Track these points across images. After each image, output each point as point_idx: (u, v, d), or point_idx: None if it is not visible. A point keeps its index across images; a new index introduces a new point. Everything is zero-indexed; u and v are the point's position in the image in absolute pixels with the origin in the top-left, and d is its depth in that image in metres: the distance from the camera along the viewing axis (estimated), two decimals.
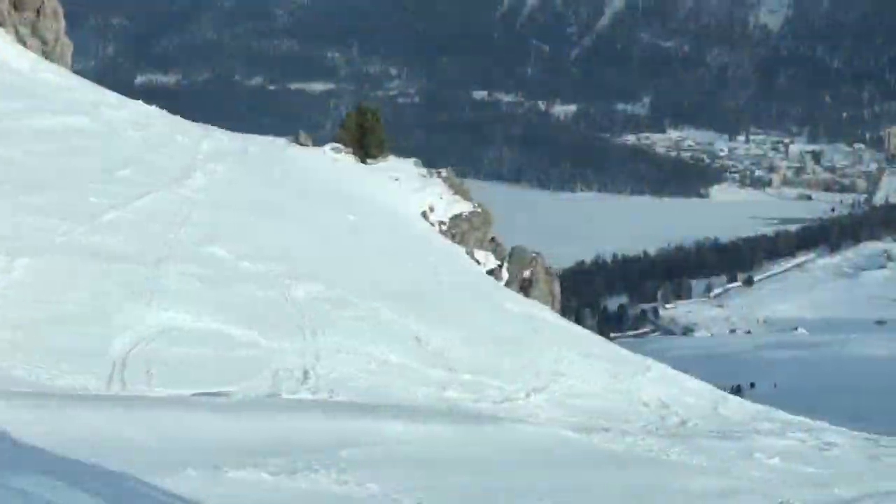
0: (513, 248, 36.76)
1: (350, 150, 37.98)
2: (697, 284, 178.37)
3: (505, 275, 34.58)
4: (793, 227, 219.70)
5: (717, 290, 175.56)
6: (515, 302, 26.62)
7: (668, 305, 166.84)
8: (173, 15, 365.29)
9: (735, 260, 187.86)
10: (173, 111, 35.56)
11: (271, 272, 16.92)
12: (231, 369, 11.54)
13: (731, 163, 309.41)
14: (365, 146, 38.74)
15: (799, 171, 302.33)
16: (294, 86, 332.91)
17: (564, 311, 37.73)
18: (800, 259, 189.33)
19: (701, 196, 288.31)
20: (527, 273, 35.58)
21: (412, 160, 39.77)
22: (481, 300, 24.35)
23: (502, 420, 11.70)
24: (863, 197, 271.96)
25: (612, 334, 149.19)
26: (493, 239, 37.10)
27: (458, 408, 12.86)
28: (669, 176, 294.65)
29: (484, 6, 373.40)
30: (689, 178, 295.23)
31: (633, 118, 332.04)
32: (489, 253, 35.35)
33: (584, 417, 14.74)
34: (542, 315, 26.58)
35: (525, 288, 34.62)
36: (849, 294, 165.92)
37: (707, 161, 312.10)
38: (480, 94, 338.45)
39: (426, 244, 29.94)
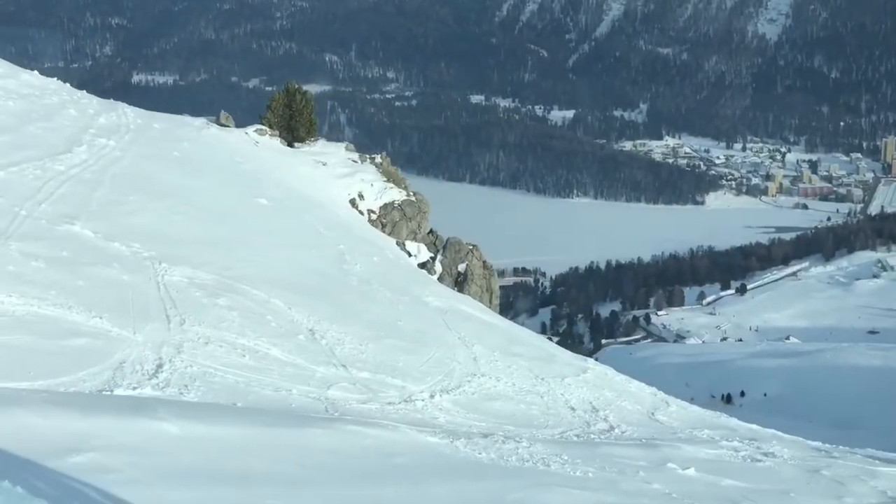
0: (447, 240, 34.75)
1: (276, 133, 36.24)
2: (690, 292, 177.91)
3: (438, 268, 33.08)
4: (788, 236, 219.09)
5: (709, 298, 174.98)
6: (439, 297, 25.34)
7: (660, 312, 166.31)
8: (172, 15, 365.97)
9: (729, 268, 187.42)
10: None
11: (142, 254, 15.61)
12: (63, 361, 10.15)
13: (727, 171, 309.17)
14: (293, 129, 37.11)
15: (795, 179, 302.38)
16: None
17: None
18: (793, 268, 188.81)
19: (696, 203, 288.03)
20: (462, 267, 33.97)
21: (344, 144, 38.15)
22: (399, 294, 22.90)
23: (342, 422, 10.29)
24: (858, 206, 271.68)
25: (603, 340, 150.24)
26: (431, 231, 35.36)
27: (336, 408, 11.93)
28: (665, 183, 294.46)
29: (483, 12, 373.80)
30: (686, 185, 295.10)
31: (631, 125, 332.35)
32: (421, 245, 33.62)
33: (493, 421, 14.20)
34: (469, 311, 25.41)
35: (460, 283, 33.27)
36: (842, 303, 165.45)
37: (703, 168, 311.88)
38: (478, 99, 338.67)
39: (345, 232, 28.05)
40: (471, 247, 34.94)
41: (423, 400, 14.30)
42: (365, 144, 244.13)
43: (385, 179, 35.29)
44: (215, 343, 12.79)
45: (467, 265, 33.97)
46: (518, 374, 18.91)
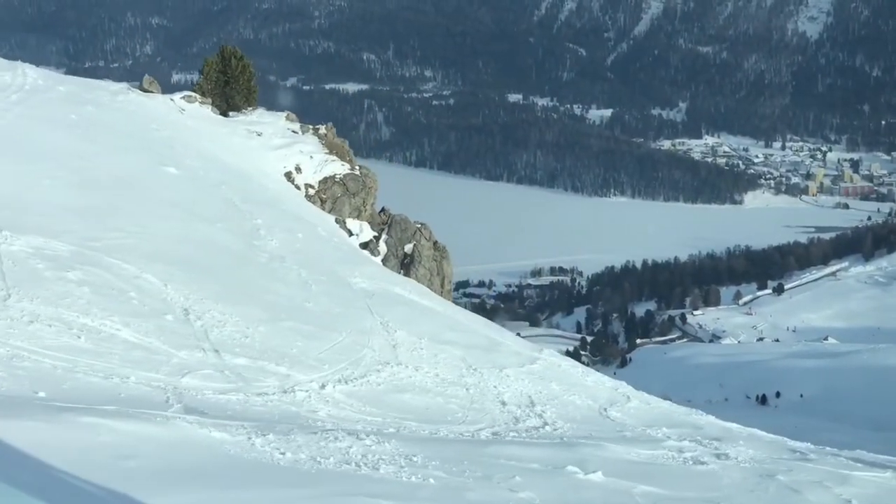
0: (392, 218, 32.13)
1: (208, 100, 33.57)
2: (727, 291, 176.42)
3: (382, 248, 30.74)
4: (827, 236, 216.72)
5: (746, 298, 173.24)
6: (371, 278, 23.29)
7: (695, 312, 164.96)
8: (212, 15, 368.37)
9: (766, 267, 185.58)
10: None
11: None
12: None
13: (766, 169, 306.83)
14: (228, 97, 34.47)
15: (836, 179, 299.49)
16: (329, 86, 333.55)
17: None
18: (832, 268, 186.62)
19: (735, 203, 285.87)
20: (408, 247, 31.45)
21: (284, 114, 34.95)
22: (317, 273, 20.93)
23: (75, 412, 8.39)
24: None
25: (637, 340, 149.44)
26: (383, 210, 32.81)
27: (180, 399, 10.38)
28: (704, 182, 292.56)
29: (521, 10, 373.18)
30: (724, 184, 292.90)
31: (669, 124, 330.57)
32: (365, 223, 30.94)
33: (394, 416, 12.95)
34: (404, 294, 23.45)
35: (406, 264, 31.07)
36: (881, 303, 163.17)
37: (742, 168, 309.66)
38: (515, 98, 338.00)
39: (269, 207, 25.83)
40: (419, 225, 32.53)
41: (307, 391, 12.75)
42: (402, 143, 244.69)
43: (327, 152, 32.66)
44: (44, 321, 11.27)
45: (415, 245, 31.58)
46: (445, 363, 17.41)
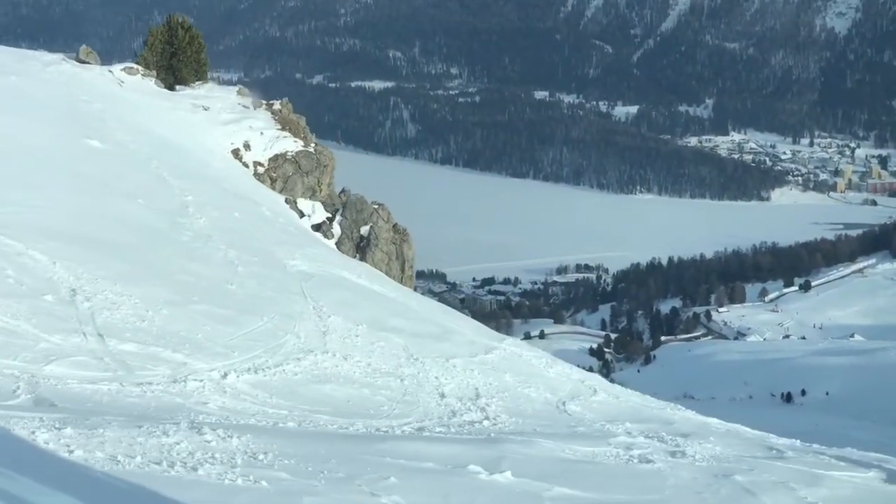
0: (348, 198, 30.29)
1: (153, 73, 31.90)
2: (752, 288, 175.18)
3: (336, 230, 29.09)
4: (855, 233, 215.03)
5: (772, 295, 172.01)
6: (313, 260, 21.65)
7: (721, 309, 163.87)
8: (238, 13, 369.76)
9: (793, 264, 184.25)
10: None
11: None
12: None
13: (793, 166, 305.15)
14: (175, 69, 32.74)
15: (864, 175, 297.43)
16: (355, 84, 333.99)
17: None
18: (860, 264, 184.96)
19: (762, 199, 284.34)
20: (364, 230, 29.59)
21: (236, 88, 33.67)
22: (249, 254, 19.44)
23: None
24: None
25: (662, 337, 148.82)
26: (343, 191, 30.96)
27: (32, 389, 9.23)
28: (730, 179, 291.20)
29: (547, 7, 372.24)
30: (751, 181, 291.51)
31: (696, 120, 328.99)
32: (318, 204, 29.41)
33: (306, 408, 11.70)
34: (349, 278, 21.92)
35: (362, 248, 29.37)
36: None
37: (769, 164, 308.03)
38: (541, 95, 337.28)
39: (207, 184, 24.32)
40: (376, 206, 30.57)
41: (201, 381, 11.32)
42: (428, 141, 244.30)
43: (280, 128, 30.90)
44: None
45: (371, 228, 29.74)
46: (382, 352, 16.11)
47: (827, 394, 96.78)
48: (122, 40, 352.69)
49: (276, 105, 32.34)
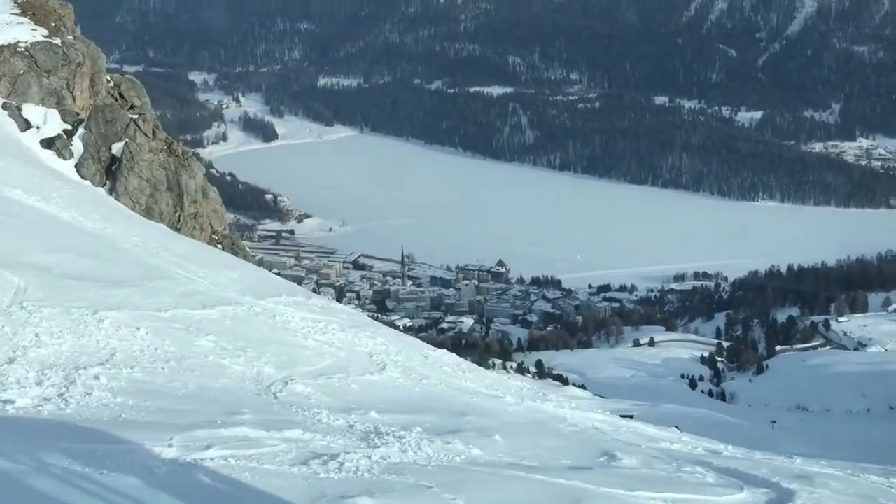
0: (94, 106, 23.72)
1: None
2: (875, 298, 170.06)
3: (77, 147, 23.15)
4: None
5: None
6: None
7: (840, 318, 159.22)
8: (359, 20, 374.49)
9: None
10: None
11: None
12: None
13: None
14: None
15: None
16: (473, 89, 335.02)
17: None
18: None
19: (891, 207, 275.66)
20: (117, 147, 22.80)
21: None
22: None
23: None
24: None
25: (777, 347, 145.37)
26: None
27: None
28: (857, 185, 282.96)
29: (670, 11, 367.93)
30: (879, 187, 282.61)
31: (822, 125, 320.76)
32: (54, 111, 23.15)
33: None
34: (45, 210, 17.05)
35: (113, 171, 22.76)
36: None
37: None
38: (661, 100, 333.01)
39: None
40: (135, 116, 23.83)
41: None
42: (547, 147, 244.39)
43: (19, 13, 24.35)
44: None
45: (126, 144, 22.91)
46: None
47: None
48: (245, 46, 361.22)
49: None
